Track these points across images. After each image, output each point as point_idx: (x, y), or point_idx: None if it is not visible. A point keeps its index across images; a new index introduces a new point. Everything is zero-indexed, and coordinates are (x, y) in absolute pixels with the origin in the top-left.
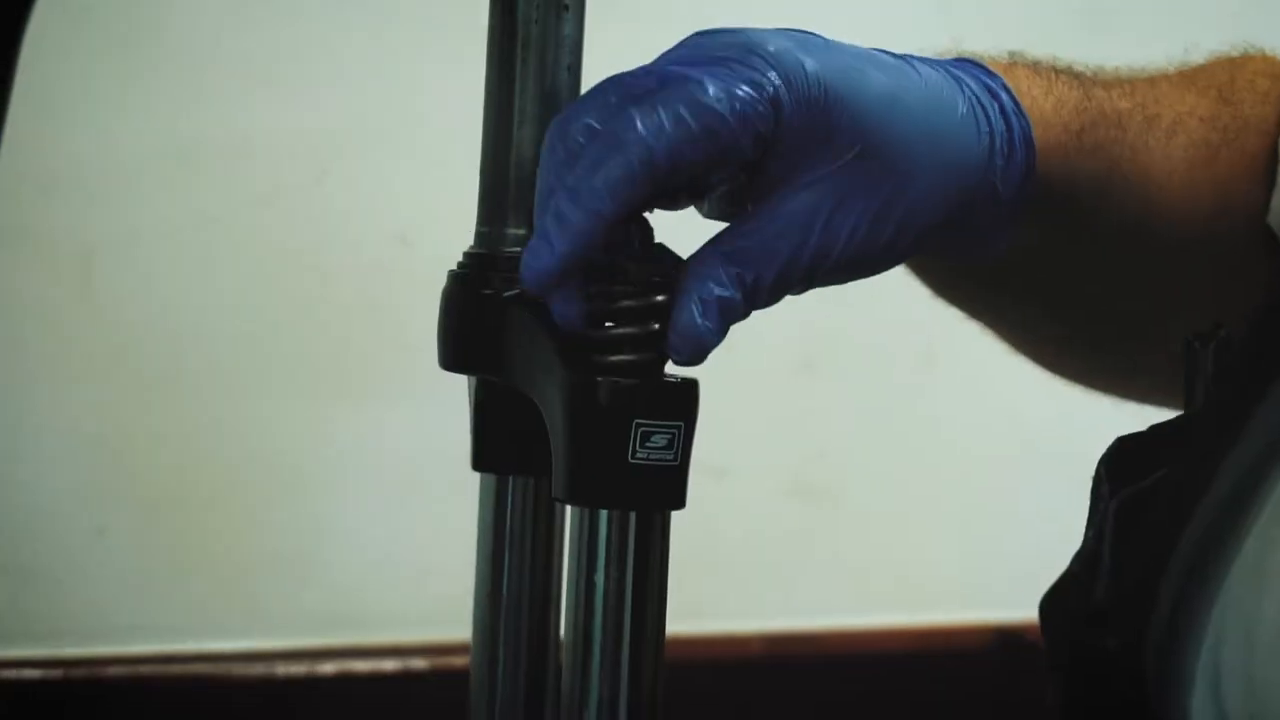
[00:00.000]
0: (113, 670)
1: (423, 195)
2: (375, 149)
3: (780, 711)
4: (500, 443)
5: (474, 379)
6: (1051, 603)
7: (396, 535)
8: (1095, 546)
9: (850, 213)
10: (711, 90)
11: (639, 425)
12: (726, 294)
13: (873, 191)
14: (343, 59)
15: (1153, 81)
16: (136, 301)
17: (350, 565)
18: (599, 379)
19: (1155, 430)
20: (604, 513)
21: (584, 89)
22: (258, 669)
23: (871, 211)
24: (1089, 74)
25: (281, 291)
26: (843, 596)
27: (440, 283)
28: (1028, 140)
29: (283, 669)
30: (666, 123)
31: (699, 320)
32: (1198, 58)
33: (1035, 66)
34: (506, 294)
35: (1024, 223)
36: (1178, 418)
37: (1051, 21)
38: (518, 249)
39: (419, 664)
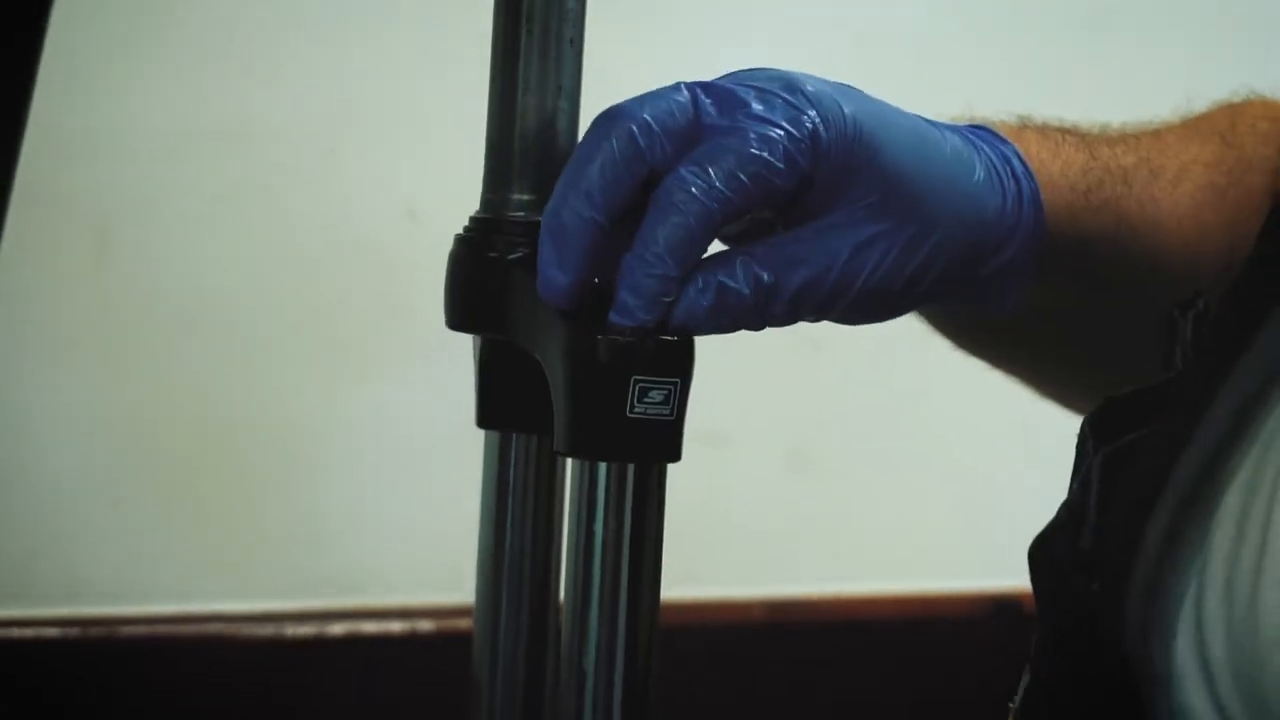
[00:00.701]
0: (128, 630)
1: (429, 171)
2: (382, 127)
3: (781, 675)
4: (503, 401)
5: (478, 339)
6: (1039, 548)
7: (403, 503)
8: (1081, 497)
9: (876, 248)
10: (755, 139)
11: (637, 381)
12: (732, 284)
13: (898, 231)
14: (351, 40)
15: (1156, 134)
16: (151, 273)
17: (358, 531)
18: (599, 337)
19: (1139, 392)
20: (603, 465)
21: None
22: (268, 630)
23: (897, 248)
24: (1095, 132)
25: (292, 263)
26: (842, 563)
27: (446, 257)
28: (1036, 202)
29: (292, 630)
30: (718, 180)
31: (695, 294)
32: (1200, 105)
33: (1043, 130)
34: (510, 256)
35: (1035, 280)
36: (1160, 381)
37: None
38: (521, 214)
39: (425, 626)
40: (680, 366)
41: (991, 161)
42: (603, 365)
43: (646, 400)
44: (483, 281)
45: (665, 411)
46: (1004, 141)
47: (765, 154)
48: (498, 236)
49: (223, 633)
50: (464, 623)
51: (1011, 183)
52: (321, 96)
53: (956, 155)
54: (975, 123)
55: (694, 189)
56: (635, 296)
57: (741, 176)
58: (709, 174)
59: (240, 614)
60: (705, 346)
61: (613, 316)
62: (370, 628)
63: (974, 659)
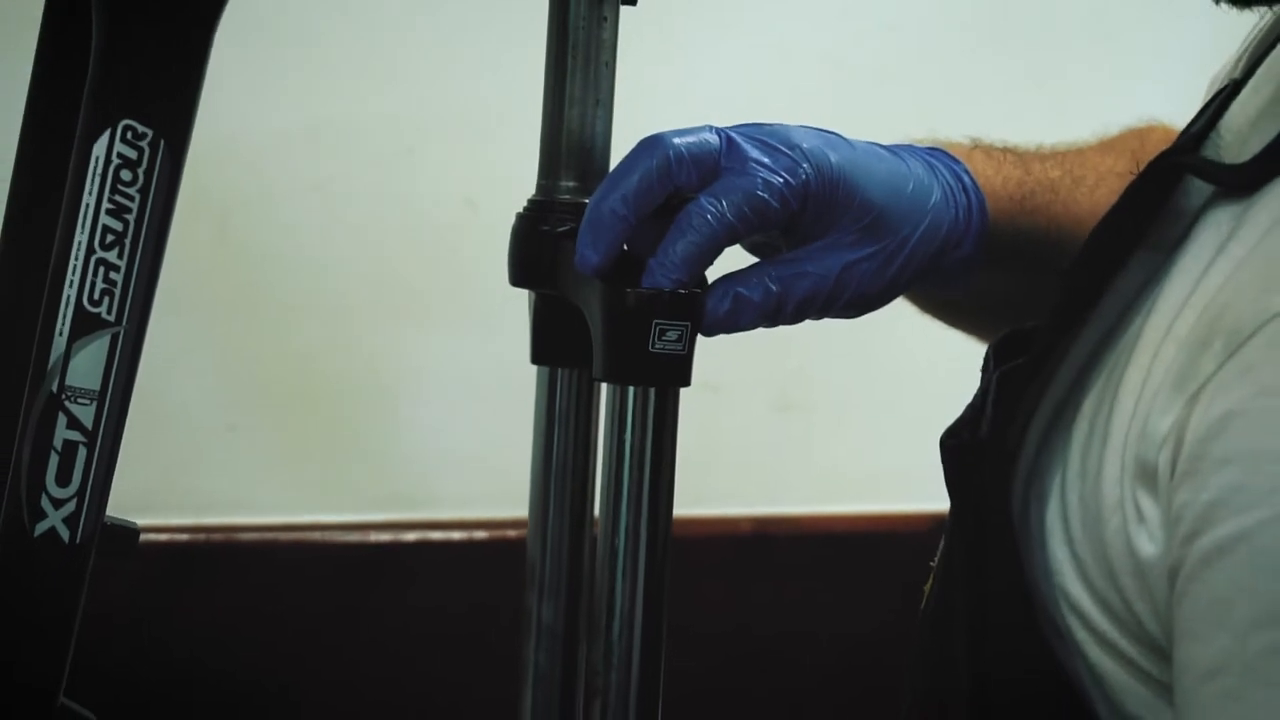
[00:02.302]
0: (244, 535)
1: (486, 168)
2: (450, 130)
3: (764, 578)
4: (552, 342)
5: (533, 294)
6: (949, 437)
7: (463, 432)
8: (981, 401)
9: (860, 265)
10: (760, 182)
11: (657, 324)
12: (746, 294)
13: (878, 249)
14: (424, 56)
15: (1079, 151)
16: (262, 250)
17: (427, 456)
18: (628, 290)
19: (1031, 327)
20: (631, 389)
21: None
22: (354, 536)
23: (877, 262)
24: (1029, 151)
25: (374, 240)
26: (816, 488)
27: (499, 238)
28: (983, 210)
29: (374, 536)
30: (728, 211)
31: (716, 302)
32: (1113, 130)
33: (988, 150)
34: (559, 229)
35: (984, 268)
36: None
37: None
38: (568, 196)
39: (480, 535)
40: (691, 313)
41: (947, 182)
42: (631, 312)
43: (665, 339)
44: (538, 249)
45: (679, 348)
46: (956, 161)
47: (766, 195)
48: (549, 214)
49: (318, 539)
50: (512, 533)
51: (963, 196)
52: (400, 103)
53: (919, 184)
54: (935, 144)
55: (709, 215)
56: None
57: (746, 210)
58: (721, 204)
59: (332, 524)
60: None
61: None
62: (436, 536)
63: (919, 563)
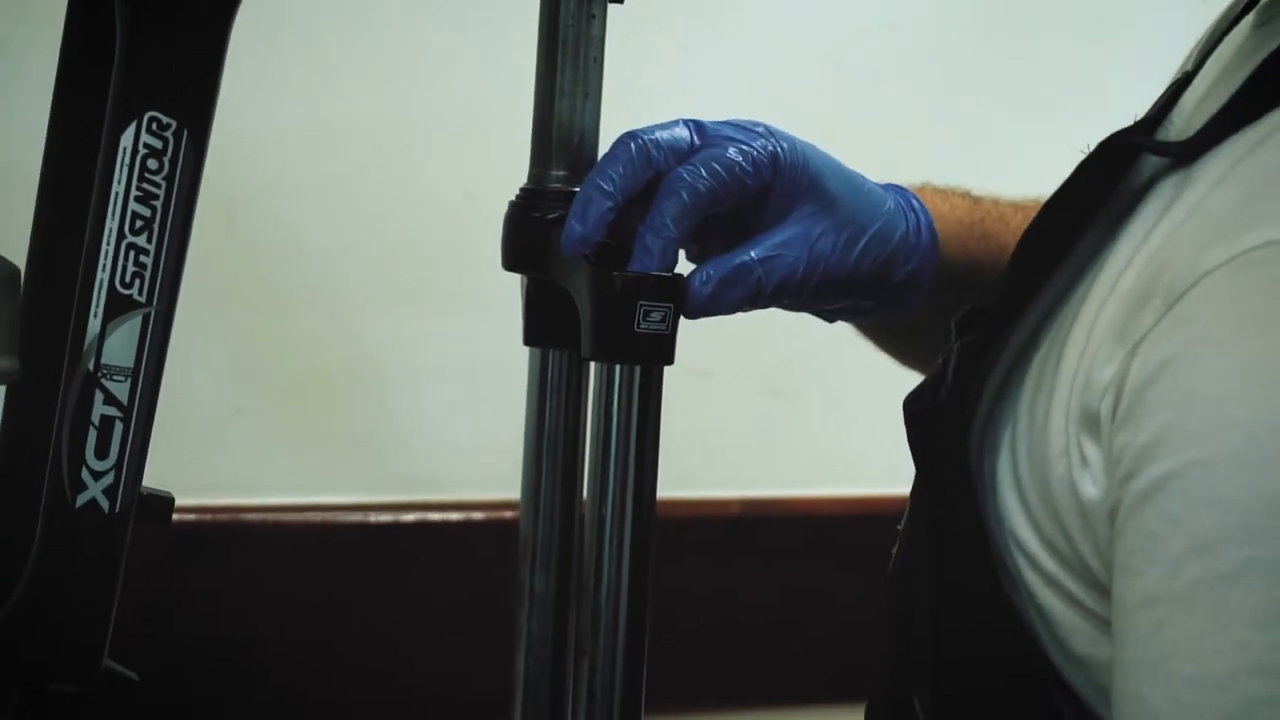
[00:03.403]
0: (248, 516)
1: (483, 161)
2: (448, 125)
3: (753, 558)
4: (543, 324)
5: (525, 278)
6: (912, 401)
7: (460, 416)
8: (942, 368)
9: (826, 240)
10: (735, 151)
11: (642, 305)
12: (728, 275)
13: (840, 230)
14: (423, 56)
15: (1035, 199)
16: (268, 242)
17: (426, 439)
18: (615, 273)
19: (991, 305)
20: (618, 367)
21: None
22: (355, 517)
23: (841, 241)
24: (981, 192)
25: (377, 232)
26: (802, 471)
27: (498, 229)
28: (931, 230)
29: (374, 517)
30: (707, 175)
31: (700, 284)
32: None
33: (938, 189)
34: (550, 216)
35: (936, 292)
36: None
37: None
38: (558, 185)
39: (477, 516)
40: (674, 295)
41: (898, 200)
42: (617, 294)
43: (649, 320)
44: (529, 234)
45: (663, 328)
46: (904, 190)
47: (741, 160)
48: (540, 201)
49: (320, 519)
50: (508, 514)
51: (912, 215)
52: (400, 101)
53: (872, 191)
54: (888, 184)
55: (689, 177)
56: (647, 254)
57: (724, 174)
58: (700, 169)
59: (334, 504)
60: None
61: (632, 267)
62: (435, 516)
63: (894, 531)
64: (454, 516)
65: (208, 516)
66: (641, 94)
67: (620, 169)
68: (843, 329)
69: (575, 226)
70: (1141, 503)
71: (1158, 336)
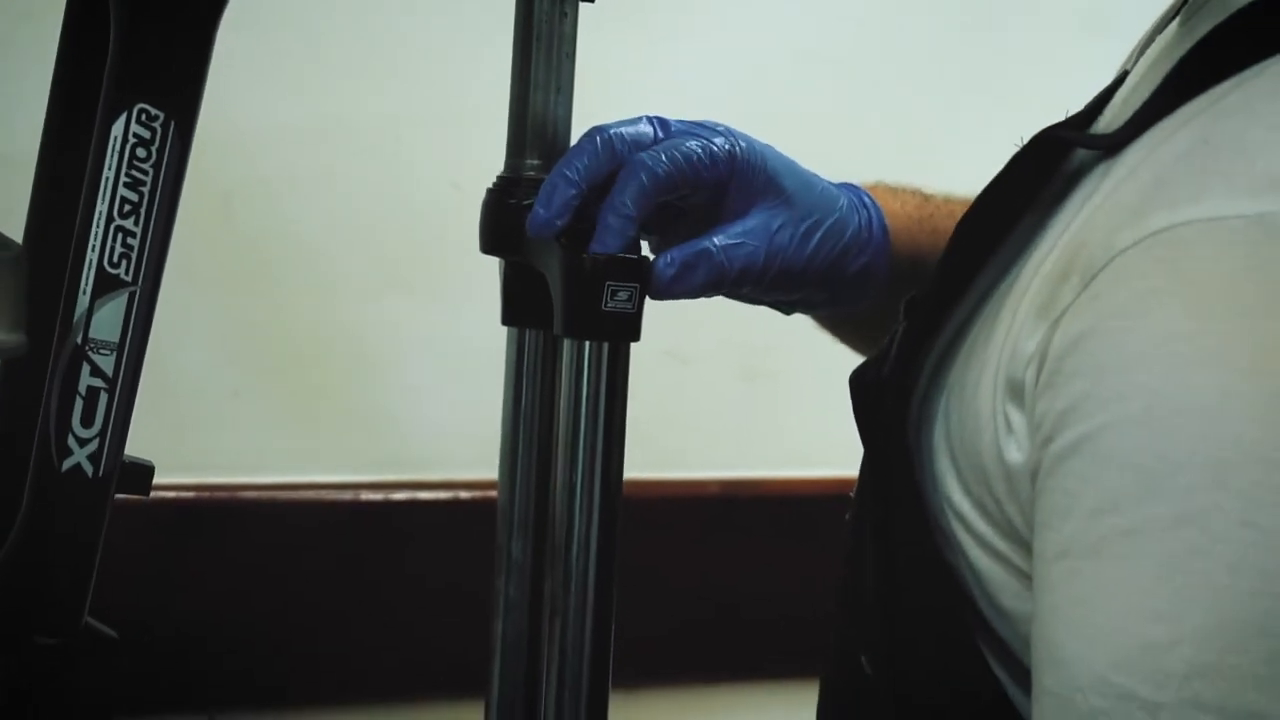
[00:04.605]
0: (245, 493)
1: (469, 154)
2: (436, 120)
3: (730, 537)
4: (519, 305)
5: (502, 261)
6: (857, 378)
7: (446, 399)
8: (887, 346)
9: (785, 231)
10: (694, 142)
11: (609, 285)
12: (692, 259)
13: (798, 223)
14: (411, 54)
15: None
16: (264, 231)
17: (415, 421)
18: (584, 255)
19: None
20: (588, 343)
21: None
22: (347, 495)
23: (799, 234)
24: (930, 191)
25: (367, 221)
26: (779, 453)
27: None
28: (882, 225)
29: (366, 495)
30: (666, 161)
31: (664, 266)
32: None
33: (889, 186)
34: (525, 203)
35: (889, 284)
36: None
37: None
38: (532, 174)
39: (464, 494)
40: (638, 276)
41: (851, 198)
42: (586, 275)
43: (616, 299)
44: (505, 220)
45: (629, 307)
46: (856, 188)
47: (700, 151)
48: (516, 189)
49: (313, 497)
50: (493, 493)
51: (864, 211)
52: (390, 97)
53: (826, 190)
54: (840, 182)
55: (649, 161)
56: (607, 232)
57: (682, 162)
58: (660, 155)
59: (327, 483)
60: None
61: (593, 246)
62: (424, 495)
63: (848, 499)
64: (442, 495)
65: (206, 494)
66: (614, 87)
67: (585, 159)
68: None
69: (540, 212)
70: (1058, 463)
71: (1075, 311)
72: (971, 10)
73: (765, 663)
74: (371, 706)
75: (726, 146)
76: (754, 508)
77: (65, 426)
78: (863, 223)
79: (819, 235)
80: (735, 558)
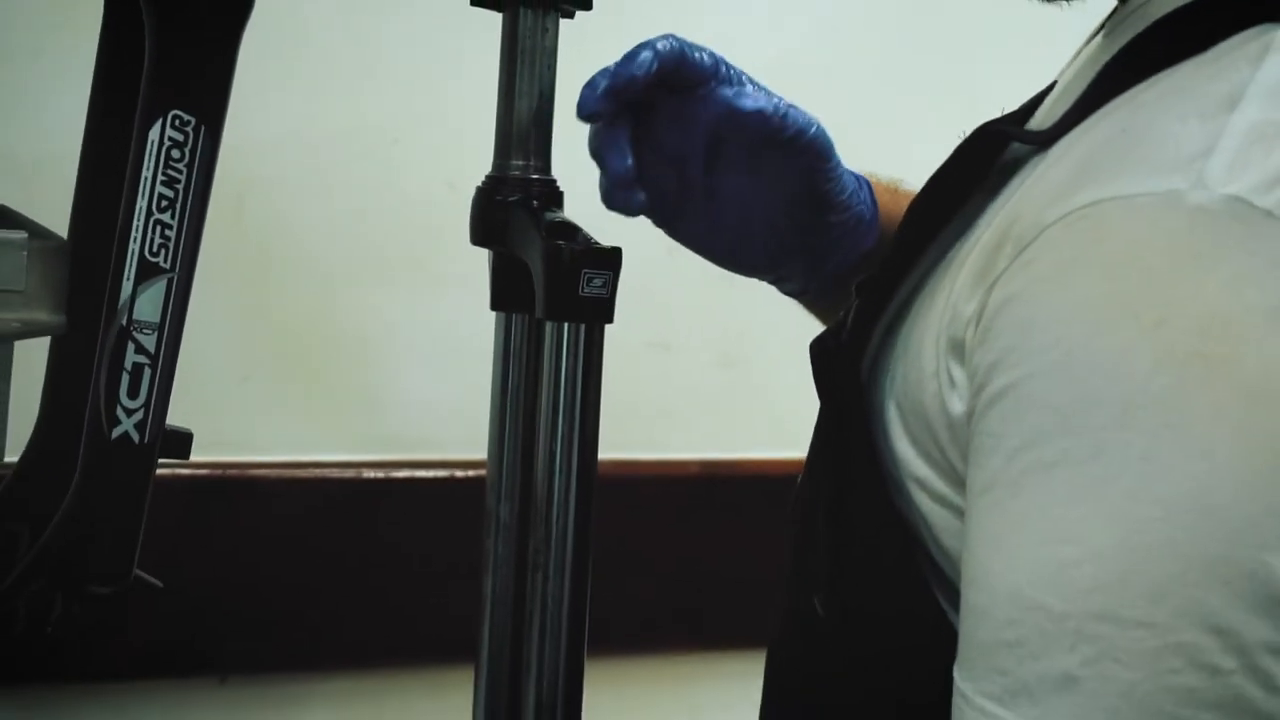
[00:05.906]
0: (255, 471)
1: (462, 155)
2: (430, 123)
3: (710, 516)
4: (506, 291)
5: (491, 252)
6: (817, 344)
7: (446, 385)
8: (845, 315)
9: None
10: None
11: (585, 273)
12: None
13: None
14: (409, 64)
15: None
16: (273, 226)
17: (414, 404)
18: (561, 244)
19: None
20: (566, 325)
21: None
22: (350, 473)
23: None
24: (902, 184)
25: (367, 218)
26: (756, 435)
27: None
28: (872, 194)
29: (369, 474)
30: (659, 44)
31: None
32: None
33: (874, 176)
34: (511, 199)
35: (868, 244)
36: None
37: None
38: (517, 173)
39: (460, 473)
40: (613, 263)
41: (858, 181)
42: (565, 263)
43: (591, 285)
44: (493, 214)
45: (604, 292)
46: (860, 175)
47: (687, 44)
48: (503, 187)
49: (319, 475)
50: (484, 471)
51: (855, 181)
52: (388, 102)
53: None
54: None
55: (647, 48)
56: (602, 76)
57: (672, 43)
58: (655, 44)
59: (331, 462)
60: (655, 281)
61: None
62: (423, 474)
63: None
64: (441, 474)
65: (219, 471)
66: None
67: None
68: (791, 304)
69: (588, 94)
70: (988, 408)
71: (1008, 276)
72: (939, 14)
73: (742, 634)
74: (374, 670)
75: (748, 82)
76: (732, 486)
77: (114, 399)
78: (858, 186)
79: (838, 175)
80: (715, 535)
